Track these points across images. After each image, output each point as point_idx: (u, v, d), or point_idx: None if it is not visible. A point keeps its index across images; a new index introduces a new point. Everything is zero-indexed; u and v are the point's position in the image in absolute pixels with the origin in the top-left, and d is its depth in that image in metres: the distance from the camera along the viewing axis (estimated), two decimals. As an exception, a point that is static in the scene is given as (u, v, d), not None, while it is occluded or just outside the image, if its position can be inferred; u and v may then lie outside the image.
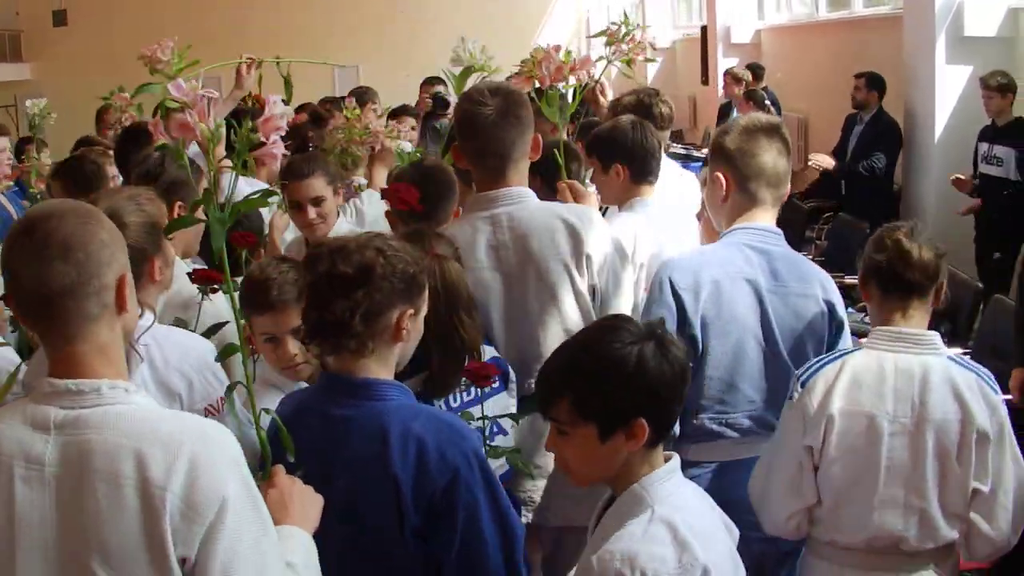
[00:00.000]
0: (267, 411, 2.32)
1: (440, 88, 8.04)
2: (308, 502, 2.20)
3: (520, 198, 3.19)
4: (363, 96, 7.00)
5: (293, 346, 2.97)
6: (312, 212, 4.13)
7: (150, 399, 2.00)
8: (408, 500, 2.30)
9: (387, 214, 3.71)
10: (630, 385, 2.15)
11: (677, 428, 2.92)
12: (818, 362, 2.85)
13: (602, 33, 4.09)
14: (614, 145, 3.88)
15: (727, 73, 11.49)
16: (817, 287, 3.07)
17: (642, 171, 3.91)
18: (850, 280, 5.93)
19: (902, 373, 2.74)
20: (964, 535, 2.80)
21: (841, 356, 2.84)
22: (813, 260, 4.11)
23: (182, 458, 1.81)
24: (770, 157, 3.06)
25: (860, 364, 2.78)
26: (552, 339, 3.05)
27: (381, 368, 2.40)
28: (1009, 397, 3.49)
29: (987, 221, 7.36)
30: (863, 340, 2.92)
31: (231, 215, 2.18)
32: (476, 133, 3.15)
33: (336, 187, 4.26)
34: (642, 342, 2.17)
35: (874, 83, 8.87)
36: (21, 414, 1.89)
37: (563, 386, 2.20)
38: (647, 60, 4.09)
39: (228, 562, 1.81)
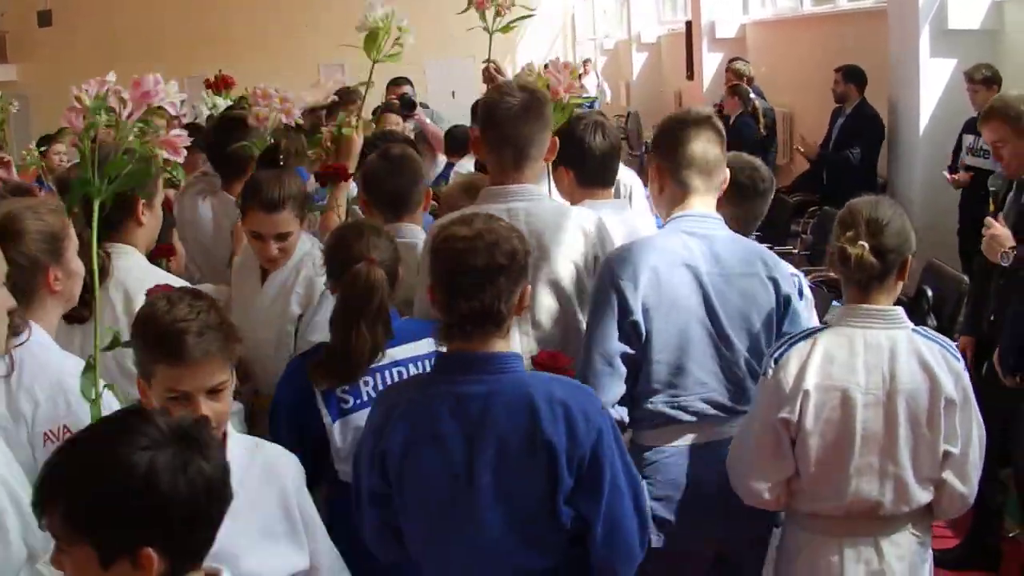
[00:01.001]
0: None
1: (407, 88, 8.05)
2: None
3: (536, 195, 3.31)
4: (348, 96, 7.00)
5: (207, 407, 2.39)
6: (274, 248, 3.57)
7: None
8: (563, 464, 2.39)
9: (362, 202, 3.97)
10: (131, 502, 1.70)
11: (625, 415, 3.07)
12: (789, 339, 2.95)
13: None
14: (562, 148, 3.66)
15: (728, 69, 11.43)
16: (760, 266, 3.14)
17: (588, 177, 3.90)
18: (834, 274, 5.95)
19: (871, 347, 2.86)
20: (936, 496, 2.94)
21: (812, 334, 2.94)
22: (798, 254, 4.14)
23: None
24: (699, 146, 3.15)
25: (831, 341, 2.89)
26: (558, 340, 3.22)
27: (504, 342, 2.50)
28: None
29: (972, 212, 7.39)
30: (828, 318, 3.07)
31: (106, 185, 2.26)
32: (497, 123, 3.26)
33: (303, 214, 3.69)
34: (159, 448, 1.72)
35: (852, 76, 8.91)
36: None
37: (54, 490, 1.74)
38: (519, 19, 4.14)
39: None
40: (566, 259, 3.24)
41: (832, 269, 3.06)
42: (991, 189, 4.58)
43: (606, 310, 3.03)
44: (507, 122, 3.23)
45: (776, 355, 2.93)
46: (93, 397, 2.35)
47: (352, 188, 4.40)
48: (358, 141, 4.04)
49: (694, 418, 3.09)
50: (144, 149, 2.32)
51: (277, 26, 19.37)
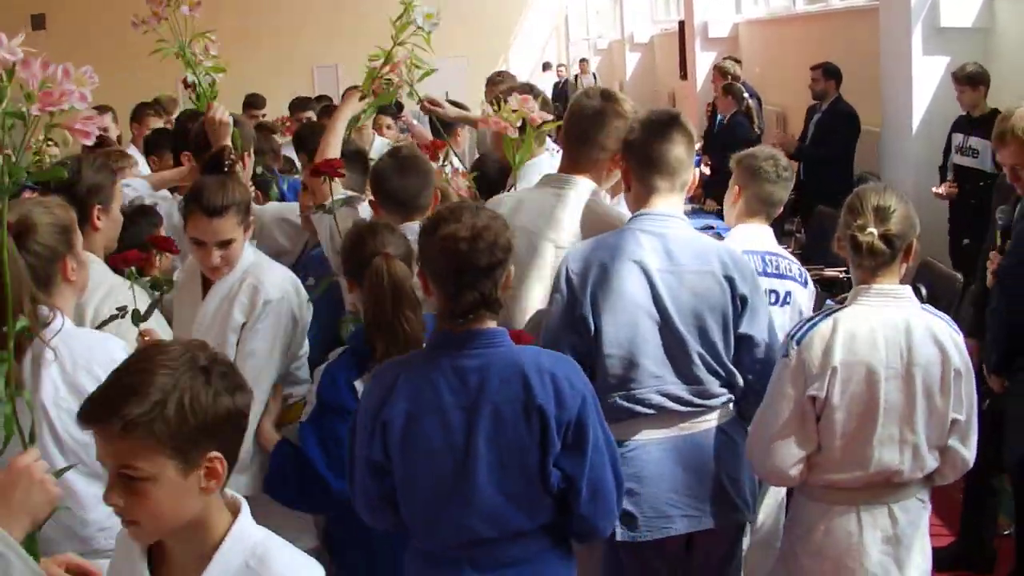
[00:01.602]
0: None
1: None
2: (35, 491, 2.26)
3: (574, 183, 3.54)
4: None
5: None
6: (216, 256, 3.51)
7: None
8: (553, 428, 2.58)
9: (371, 202, 3.99)
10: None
11: None
12: (808, 321, 3.08)
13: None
14: None
15: (714, 68, 11.48)
16: (716, 264, 3.19)
17: None
18: (829, 273, 5.97)
19: (887, 324, 3.03)
20: (941, 462, 3.12)
21: (830, 314, 3.08)
22: (792, 253, 4.18)
23: None
24: (662, 147, 3.24)
25: (850, 319, 3.04)
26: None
27: (494, 319, 2.69)
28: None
29: (961, 211, 7.41)
30: (839, 298, 3.22)
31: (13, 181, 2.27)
32: (575, 123, 3.56)
33: (248, 222, 3.62)
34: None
35: (831, 73, 9.01)
36: None
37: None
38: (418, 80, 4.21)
39: None
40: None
41: (840, 253, 3.18)
42: (999, 222, 4.52)
43: (558, 302, 3.19)
44: (584, 120, 3.53)
45: (798, 336, 3.04)
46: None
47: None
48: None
49: (652, 411, 3.16)
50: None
51: (270, 27, 19.36)
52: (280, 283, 3.57)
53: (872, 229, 3.00)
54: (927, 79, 7.81)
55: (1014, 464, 4.47)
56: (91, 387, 2.43)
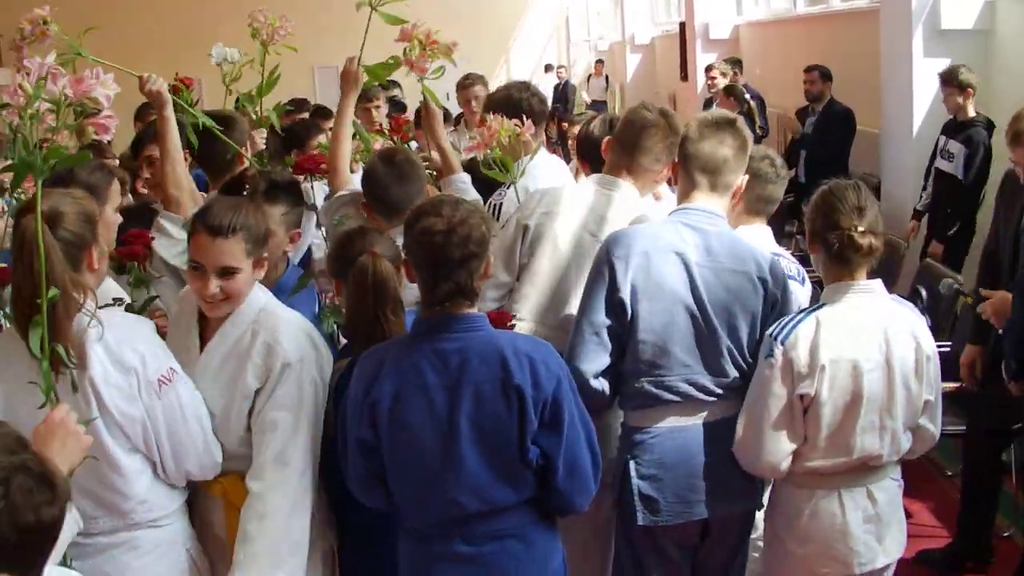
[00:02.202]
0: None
1: (396, 92, 8.09)
2: (71, 440, 2.51)
3: (620, 186, 3.71)
4: (366, 93, 7.02)
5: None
6: (215, 284, 2.97)
7: None
8: (530, 407, 2.71)
9: (362, 204, 4.01)
10: None
11: (607, 387, 3.28)
12: (790, 321, 3.17)
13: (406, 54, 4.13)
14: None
15: (709, 68, 11.51)
16: (752, 266, 3.28)
17: None
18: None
19: (867, 320, 3.16)
20: (913, 440, 3.29)
21: (810, 312, 3.18)
22: (792, 255, 4.18)
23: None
24: (709, 146, 3.33)
25: (832, 317, 3.16)
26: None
27: (472, 306, 2.83)
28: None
29: (935, 215, 7.42)
30: (822, 296, 3.30)
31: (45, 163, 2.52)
32: (629, 130, 3.69)
33: (260, 255, 3.08)
34: None
35: (827, 75, 9.12)
36: None
37: None
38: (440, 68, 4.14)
39: None
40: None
41: (812, 248, 3.27)
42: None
43: (599, 285, 3.24)
44: (641, 133, 3.65)
45: (782, 337, 3.14)
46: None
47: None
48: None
49: (678, 398, 3.24)
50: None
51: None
52: (297, 339, 3.04)
53: (861, 227, 3.11)
54: (927, 81, 7.78)
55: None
56: (135, 363, 2.80)
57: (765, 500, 3.73)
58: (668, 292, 3.22)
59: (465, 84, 6.86)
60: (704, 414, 3.27)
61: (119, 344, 2.79)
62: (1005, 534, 5.04)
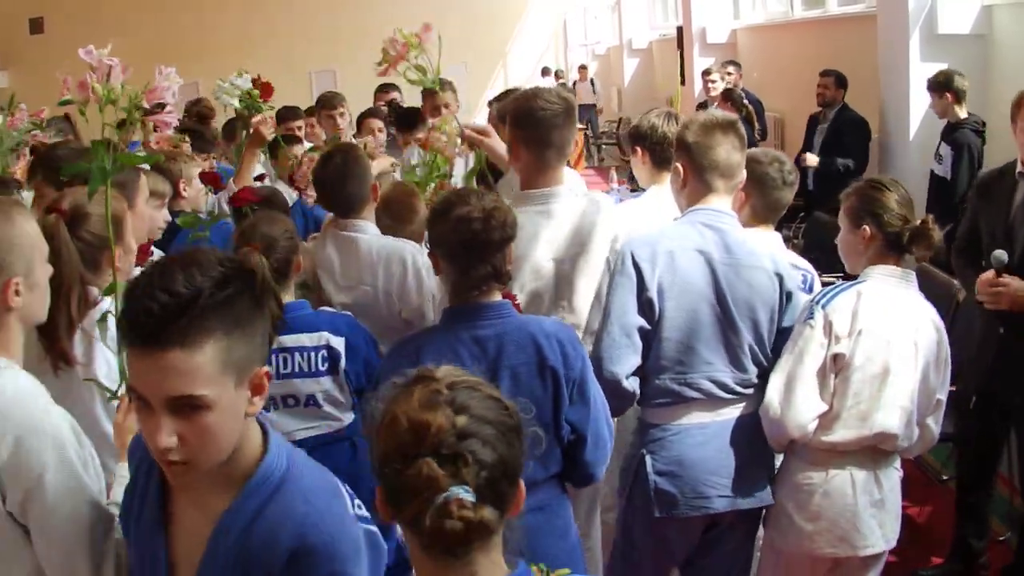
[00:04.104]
0: None
1: (396, 95, 8.03)
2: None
3: (561, 198, 3.67)
4: (331, 101, 7.08)
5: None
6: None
7: (20, 377, 2.28)
8: (563, 387, 2.86)
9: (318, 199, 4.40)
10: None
11: (638, 387, 3.34)
12: (832, 290, 3.32)
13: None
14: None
15: (706, 72, 11.51)
16: (767, 261, 3.38)
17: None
18: (826, 278, 5.97)
19: (901, 302, 3.33)
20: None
21: (851, 285, 3.34)
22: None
23: (10, 434, 2.17)
24: (724, 151, 3.39)
25: (871, 291, 3.31)
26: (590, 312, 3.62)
27: (499, 293, 2.94)
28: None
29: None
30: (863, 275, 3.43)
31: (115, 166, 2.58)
32: (540, 126, 3.62)
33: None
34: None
35: (841, 81, 9.01)
36: None
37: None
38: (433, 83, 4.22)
39: (47, 522, 2.20)
40: (600, 245, 3.63)
41: (858, 228, 3.39)
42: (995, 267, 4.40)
43: (626, 286, 3.29)
44: (551, 127, 3.61)
45: (823, 302, 3.28)
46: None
47: None
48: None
49: (700, 395, 3.31)
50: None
51: (266, 33, 19.38)
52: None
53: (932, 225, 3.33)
54: (925, 85, 7.81)
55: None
56: None
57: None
58: (694, 290, 3.29)
59: (434, 90, 6.56)
60: (724, 412, 3.34)
61: None
62: (1001, 539, 5.03)
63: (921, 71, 7.79)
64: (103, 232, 2.80)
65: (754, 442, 3.35)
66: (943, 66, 7.57)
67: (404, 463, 1.53)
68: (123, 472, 2.34)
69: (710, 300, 3.29)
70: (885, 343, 3.25)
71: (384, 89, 8.28)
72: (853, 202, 3.44)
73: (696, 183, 3.43)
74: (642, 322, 3.27)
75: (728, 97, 10.26)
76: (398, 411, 1.58)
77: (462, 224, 2.84)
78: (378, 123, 7.23)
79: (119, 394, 2.70)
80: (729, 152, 3.38)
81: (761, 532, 3.65)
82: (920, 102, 7.87)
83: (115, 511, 2.28)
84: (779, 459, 3.59)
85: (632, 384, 3.29)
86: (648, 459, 3.30)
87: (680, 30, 14.90)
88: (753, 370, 3.34)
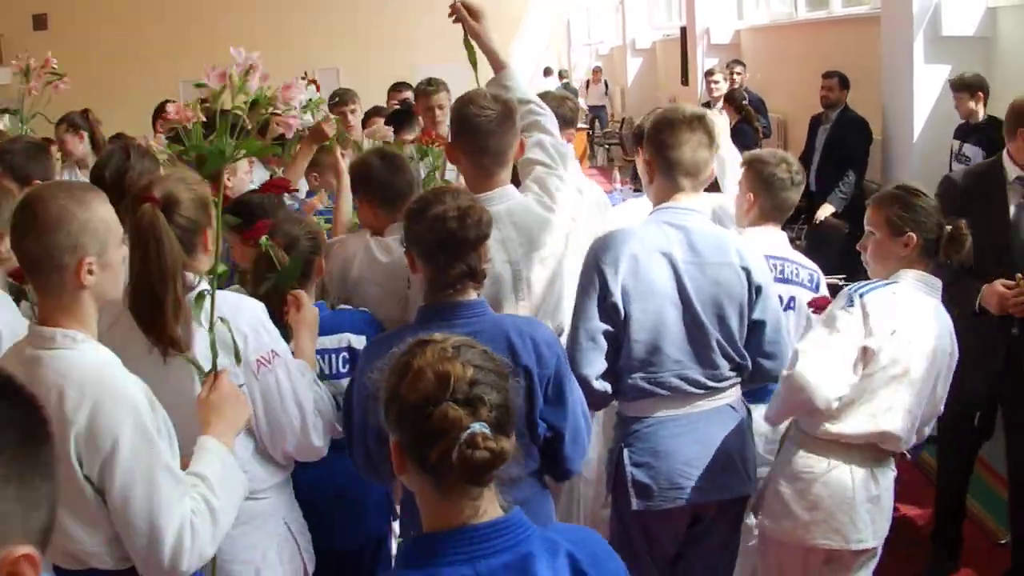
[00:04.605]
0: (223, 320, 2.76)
1: (408, 94, 8.02)
2: (239, 409, 2.74)
3: (511, 196, 3.56)
4: (343, 97, 7.07)
5: None
6: None
7: (97, 348, 2.48)
8: (536, 386, 2.87)
9: (361, 202, 4.06)
10: None
11: (609, 388, 3.37)
12: (867, 284, 3.35)
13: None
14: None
15: (709, 73, 11.50)
16: (734, 256, 3.38)
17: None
18: (830, 280, 5.96)
19: (925, 308, 3.37)
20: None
21: (886, 285, 3.36)
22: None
23: (88, 401, 2.34)
24: (689, 149, 3.38)
25: (903, 295, 3.34)
26: (553, 312, 3.58)
27: (475, 291, 2.95)
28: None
29: None
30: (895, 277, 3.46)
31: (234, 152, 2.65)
32: (477, 133, 3.48)
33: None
34: None
35: (844, 82, 9.00)
36: (17, 348, 2.52)
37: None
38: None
39: (124, 486, 2.35)
40: (552, 246, 3.55)
41: (901, 236, 3.40)
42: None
43: (590, 291, 3.34)
44: (487, 133, 3.46)
45: (863, 291, 3.30)
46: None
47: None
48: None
49: (669, 392, 3.35)
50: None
51: (269, 29, 19.36)
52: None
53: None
54: (928, 87, 7.80)
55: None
56: (240, 344, 2.86)
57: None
58: (658, 292, 3.31)
59: (427, 91, 6.27)
60: (699, 405, 3.37)
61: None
62: (1002, 541, 5.02)
63: (925, 73, 7.79)
64: (195, 216, 2.88)
65: (731, 433, 3.39)
66: (947, 68, 7.57)
67: (431, 409, 1.77)
68: (205, 445, 2.58)
69: (674, 301, 3.32)
70: (908, 345, 3.28)
71: (397, 88, 8.31)
72: (896, 211, 3.41)
73: (662, 180, 3.45)
74: (606, 326, 3.31)
75: (729, 100, 10.24)
76: (423, 364, 1.81)
77: (437, 223, 2.86)
78: (381, 122, 7.24)
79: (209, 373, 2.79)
80: (695, 149, 3.38)
81: (752, 521, 3.67)
82: (924, 104, 7.86)
83: (190, 479, 2.48)
84: (759, 446, 3.67)
85: (601, 385, 3.33)
86: (626, 452, 3.35)
87: (684, 30, 14.90)
88: (725, 364, 3.37)
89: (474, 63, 3.81)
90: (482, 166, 3.52)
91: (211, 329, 2.73)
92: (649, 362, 3.33)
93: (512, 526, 1.87)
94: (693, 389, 3.36)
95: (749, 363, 3.42)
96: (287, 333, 3.21)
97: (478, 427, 1.76)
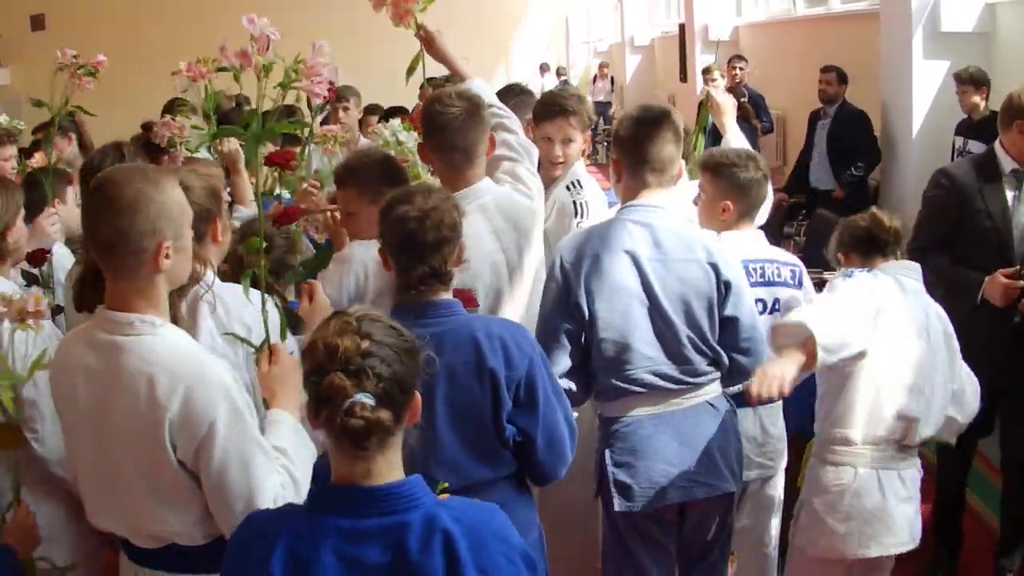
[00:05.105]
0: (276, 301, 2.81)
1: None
2: (300, 378, 2.65)
3: (492, 188, 3.62)
4: (339, 93, 7.08)
5: None
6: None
7: (176, 332, 2.50)
8: (503, 388, 2.82)
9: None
10: None
11: (574, 386, 3.37)
12: (852, 269, 3.55)
13: None
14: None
15: (706, 71, 11.50)
16: (701, 252, 3.39)
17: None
18: (829, 276, 5.97)
19: (911, 292, 3.51)
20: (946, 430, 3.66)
21: (869, 271, 3.54)
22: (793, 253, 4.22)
23: (181, 386, 2.36)
24: (655, 146, 3.39)
25: (887, 280, 3.49)
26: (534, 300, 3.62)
27: (447, 291, 2.95)
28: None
29: None
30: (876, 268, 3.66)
31: (266, 132, 2.65)
32: (444, 131, 3.52)
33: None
34: None
35: (842, 77, 9.03)
36: (85, 333, 2.52)
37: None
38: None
39: (220, 465, 2.38)
40: (536, 233, 3.68)
41: (848, 260, 3.68)
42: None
43: (553, 290, 3.38)
44: (453, 130, 3.50)
45: (847, 272, 3.52)
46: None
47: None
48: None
49: (644, 389, 3.35)
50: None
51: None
52: None
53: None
54: (928, 83, 7.80)
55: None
56: (244, 334, 2.87)
57: (750, 517, 3.90)
58: (622, 291, 3.33)
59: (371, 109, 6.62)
60: (675, 402, 3.38)
61: (228, 316, 2.93)
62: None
63: (924, 69, 7.79)
64: (206, 203, 2.91)
65: (711, 430, 3.39)
66: (946, 64, 7.57)
67: (320, 377, 1.96)
68: (276, 418, 2.60)
69: (641, 298, 3.33)
70: (904, 326, 3.40)
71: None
72: (848, 240, 3.76)
73: (629, 178, 3.46)
74: (569, 325, 3.33)
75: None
76: (316, 337, 2.01)
77: (398, 224, 2.87)
78: (375, 119, 7.26)
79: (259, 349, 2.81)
80: (661, 146, 3.39)
81: (776, 526, 3.75)
82: (923, 100, 7.86)
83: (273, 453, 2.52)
84: (747, 448, 3.66)
85: (566, 383, 3.31)
86: (607, 452, 3.36)
87: (682, 27, 14.89)
88: (699, 360, 3.37)
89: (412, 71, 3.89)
90: (452, 164, 3.56)
91: (263, 307, 2.76)
92: (621, 360, 3.34)
93: (396, 494, 2.00)
94: (668, 385, 3.36)
95: (725, 359, 3.41)
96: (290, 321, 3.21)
97: (360, 397, 1.94)
